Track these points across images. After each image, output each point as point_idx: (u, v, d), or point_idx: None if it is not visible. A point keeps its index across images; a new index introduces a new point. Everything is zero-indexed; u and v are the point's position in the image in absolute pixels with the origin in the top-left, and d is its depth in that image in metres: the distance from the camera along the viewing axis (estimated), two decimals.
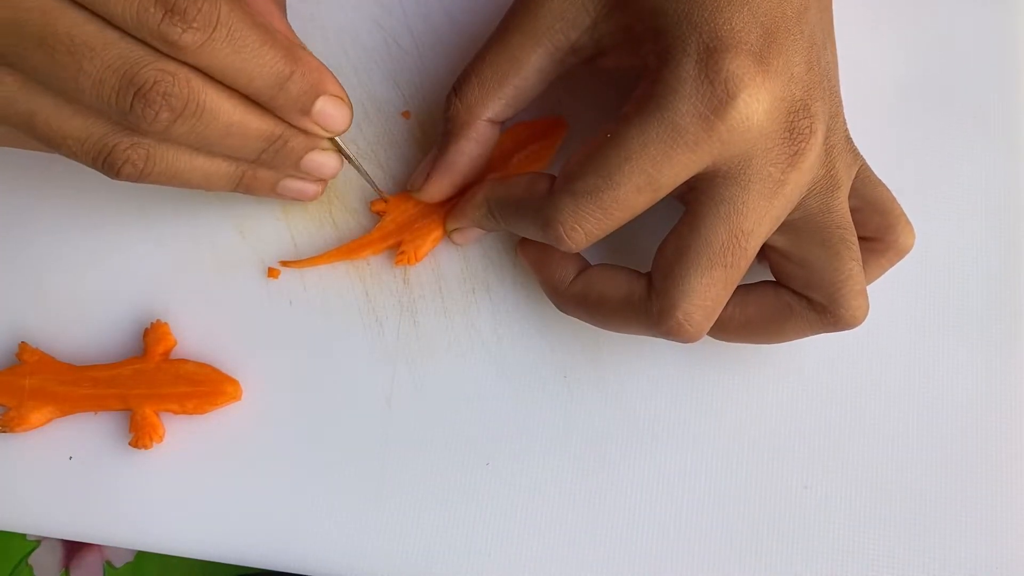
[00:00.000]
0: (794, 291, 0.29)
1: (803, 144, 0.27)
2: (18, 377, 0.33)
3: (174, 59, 0.26)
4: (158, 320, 0.34)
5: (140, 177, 0.28)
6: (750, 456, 0.33)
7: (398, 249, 0.34)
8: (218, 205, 0.35)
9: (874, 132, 0.35)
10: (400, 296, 0.34)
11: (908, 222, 0.31)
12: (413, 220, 0.34)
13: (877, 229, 0.31)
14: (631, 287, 0.29)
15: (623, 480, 0.33)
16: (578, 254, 0.31)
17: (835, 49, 0.30)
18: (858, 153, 0.30)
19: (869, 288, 0.34)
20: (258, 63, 0.27)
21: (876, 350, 0.33)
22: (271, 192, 0.31)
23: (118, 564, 0.56)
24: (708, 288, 0.27)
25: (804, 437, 0.33)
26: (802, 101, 0.27)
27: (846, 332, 0.33)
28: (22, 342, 0.34)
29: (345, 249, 0.34)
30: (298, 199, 0.32)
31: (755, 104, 0.26)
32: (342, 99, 0.29)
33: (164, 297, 0.35)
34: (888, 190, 0.31)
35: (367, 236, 0.34)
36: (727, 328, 0.30)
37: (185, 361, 0.33)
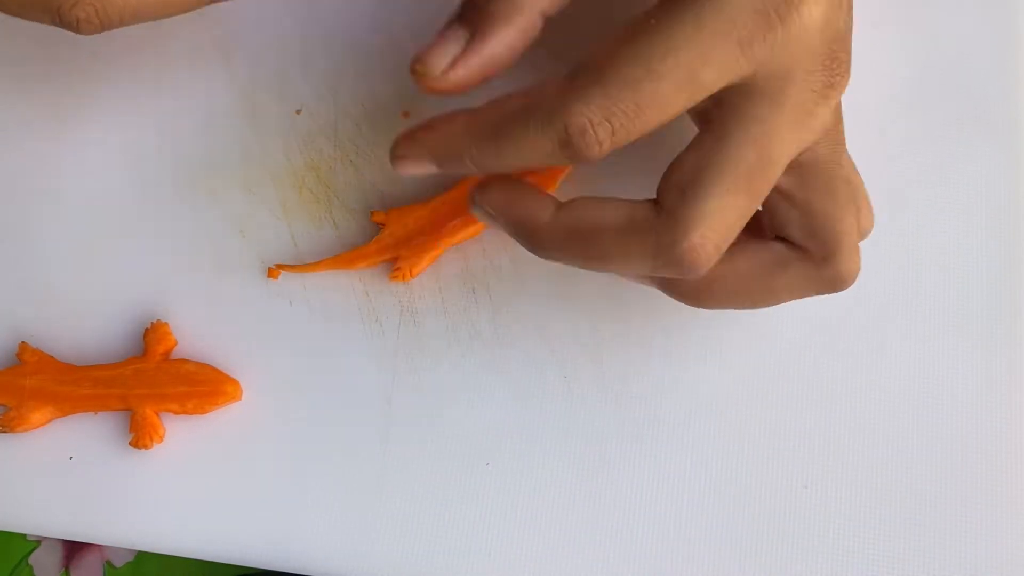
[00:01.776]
0: (789, 243, 0.27)
1: (838, 78, 0.25)
2: (18, 377, 0.34)
3: None
4: (158, 320, 0.34)
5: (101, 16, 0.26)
6: (750, 456, 0.33)
7: (394, 264, 0.34)
8: (218, 205, 0.35)
9: (874, 131, 0.35)
10: (400, 296, 0.34)
11: (870, 206, 0.29)
12: (412, 236, 0.34)
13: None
14: (633, 211, 0.26)
15: (623, 480, 0.33)
16: (551, 195, 0.28)
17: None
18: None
19: (868, 290, 0.34)
20: None
21: (876, 350, 0.33)
22: None
23: (118, 564, 0.56)
24: (727, 212, 0.25)
25: (804, 437, 0.33)
26: (843, 33, 0.25)
27: (847, 332, 0.33)
28: (22, 342, 0.34)
29: (341, 259, 0.34)
30: None
31: (815, 16, 0.24)
32: None
33: (164, 297, 0.35)
34: (858, 175, 0.29)
35: (364, 248, 0.34)
36: (716, 291, 0.28)
37: (185, 361, 0.33)
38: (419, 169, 0.28)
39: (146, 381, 0.33)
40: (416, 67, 0.27)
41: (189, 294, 0.35)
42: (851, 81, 0.35)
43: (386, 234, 0.34)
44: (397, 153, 0.28)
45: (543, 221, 0.27)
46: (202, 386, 0.33)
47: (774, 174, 0.25)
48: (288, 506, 0.33)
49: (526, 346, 0.34)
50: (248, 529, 0.33)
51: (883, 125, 0.35)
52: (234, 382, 0.33)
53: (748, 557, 0.32)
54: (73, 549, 0.57)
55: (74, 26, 0.26)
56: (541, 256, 0.28)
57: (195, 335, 0.34)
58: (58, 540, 0.57)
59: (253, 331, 0.34)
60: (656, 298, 0.33)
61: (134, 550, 0.54)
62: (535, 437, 0.33)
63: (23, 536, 0.56)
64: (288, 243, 0.35)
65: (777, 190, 0.27)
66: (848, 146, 0.35)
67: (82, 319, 0.35)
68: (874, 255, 0.34)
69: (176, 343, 0.34)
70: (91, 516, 0.33)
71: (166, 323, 0.34)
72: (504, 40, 0.26)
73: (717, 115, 0.25)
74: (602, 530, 0.32)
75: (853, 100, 0.35)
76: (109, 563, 0.56)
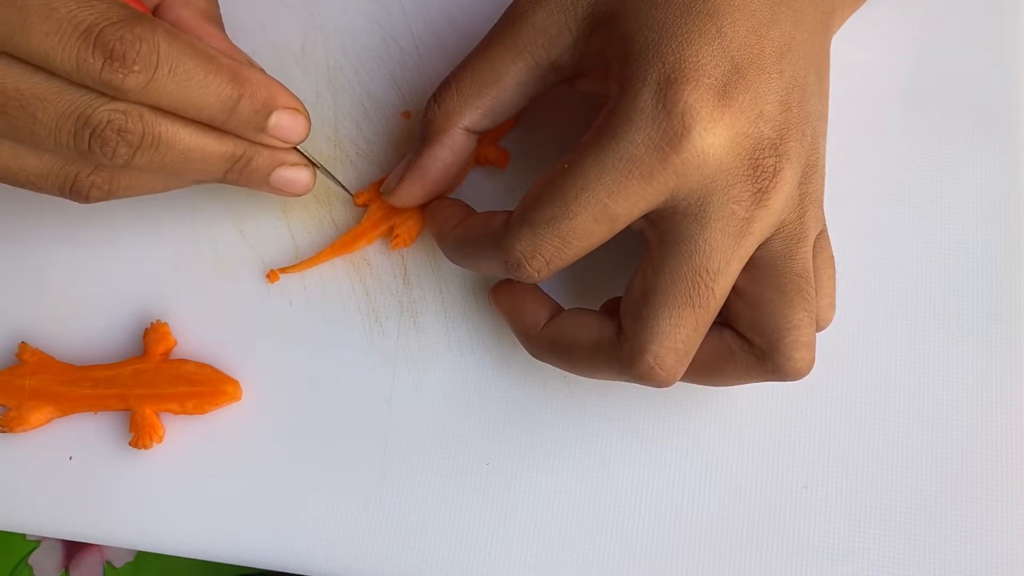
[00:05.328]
0: (737, 333, 0.28)
1: (767, 183, 0.26)
2: (18, 377, 0.33)
3: (123, 99, 0.26)
4: (158, 320, 0.34)
5: (109, 197, 0.29)
6: (750, 456, 0.33)
7: (392, 235, 0.34)
8: (218, 205, 0.35)
9: (875, 133, 0.35)
10: (400, 296, 0.34)
11: (834, 300, 0.30)
12: None
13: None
14: (601, 331, 0.29)
15: (623, 480, 0.33)
16: (551, 300, 0.31)
17: (826, 102, 0.30)
18: (824, 216, 0.30)
19: (868, 290, 0.34)
20: (205, 93, 0.27)
21: (876, 350, 0.33)
22: (263, 185, 0.32)
23: (118, 564, 0.56)
24: (677, 329, 0.27)
25: (804, 437, 0.33)
26: (771, 139, 0.26)
27: (846, 333, 0.33)
28: (22, 342, 0.34)
29: (339, 244, 0.34)
30: (290, 192, 0.32)
31: (711, 138, 0.25)
32: (297, 110, 0.30)
33: (164, 297, 0.35)
34: (832, 263, 0.30)
35: (358, 227, 0.34)
36: None
37: (185, 361, 0.33)
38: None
39: (146, 381, 0.33)
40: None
41: (189, 294, 0.35)
42: (853, 83, 0.35)
43: (375, 208, 0.34)
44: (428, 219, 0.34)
45: (534, 332, 0.30)
46: (202, 386, 0.33)
47: (720, 283, 0.27)
48: (288, 506, 0.33)
49: None
50: (248, 529, 0.33)
51: (883, 125, 0.35)
52: (234, 382, 0.33)
53: (748, 557, 0.32)
54: (73, 549, 0.57)
55: (84, 194, 0.29)
56: (536, 359, 0.31)
57: (195, 335, 0.34)
58: (58, 540, 0.57)
59: (253, 331, 0.34)
60: None
61: (134, 550, 0.54)
62: (535, 437, 0.33)
63: (23, 536, 0.56)
64: (288, 243, 0.35)
65: (732, 286, 0.28)
66: (848, 146, 0.35)
67: (82, 319, 0.35)
68: (874, 255, 0.34)
69: (176, 343, 0.34)
70: (91, 516, 0.33)
71: (166, 323, 0.34)
72: (435, 155, 0.31)
73: (653, 236, 0.28)
74: (602, 530, 0.32)
75: (855, 102, 0.35)
76: (109, 563, 0.56)
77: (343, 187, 0.34)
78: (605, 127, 0.26)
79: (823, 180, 0.29)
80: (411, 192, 0.32)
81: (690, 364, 0.28)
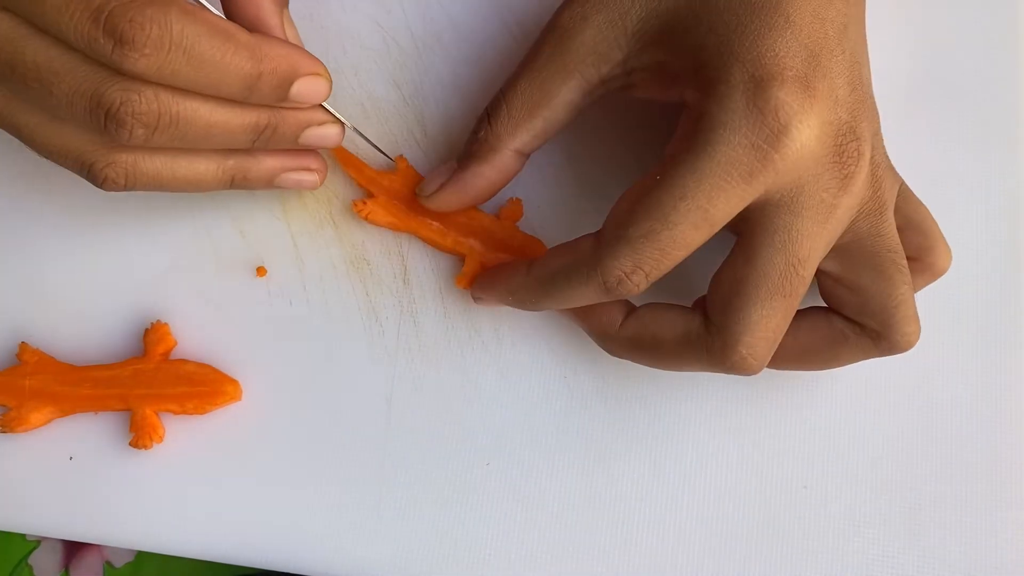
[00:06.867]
0: (846, 317, 0.29)
1: (852, 167, 0.27)
2: (19, 377, 0.34)
3: (138, 79, 0.26)
4: (158, 321, 0.34)
5: (125, 188, 0.29)
6: (750, 456, 0.33)
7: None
8: (218, 205, 0.35)
9: None
10: (400, 296, 0.34)
11: (946, 243, 0.31)
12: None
13: (916, 249, 0.30)
14: (687, 325, 0.29)
15: (623, 480, 0.33)
16: (623, 302, 0.31)
17: (869, 64, 0.30)
18: (897, 172, 0.30)
19: None
20: (222, 73, 0.27)
21: None
22: (269, 186, 0.31)
23: (118, 564, 0.56)
24: (769, 319, 0.27)
25: (804, 437, 0.33)
26: (848, 124, 0.27)
27: None
28: (22, 342, 0.34)
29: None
30: (300, 188, 0.32)
31: (807, 131, 0.26)
32: (318, 74, 0.29)
33: (164, 297, 0.35)
34: (926, 209, 0.31)
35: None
36: (782, 358, 0.30)
37: (185, 361, 0.34)
38: (497, 306, 0.33)
39: (146, 381, 0.33)
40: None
41: (189, 294, 0.35)
42: None
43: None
44: (476, 297, 0.33)
45: (612, 331, 0.31)
46: (202, 386, 0.33)
47: (807, 270, 0.27)
48: (288, 506, 0.33)
49: (526, 346, 0.34)
50: (248, 529, 0.33)
51: (883, 125, 0.35)
52: (234, 382, 0.33)
53: (748, 557, 0.32)
54: (73, 549, 0.57)
55: (99, 183, 0.28)
56: (613, 356, 0.31)
57: (195, 335, 0.34)
58: (58, 540, 0.57)
59: (253, 331, 0.34)
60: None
61: (134, 550, 0.54)
62: (535, 437, 0.33)
63: (23, 536, 0.56)
64: (288, 243, 0.35)
65: (826, 275, 0.29)
66: None
67: (82, 319, 0.35)
68: None
69: (176, 343, 0.34)
70: (91, 516, 0.33)
71: (166, 323, 0.34)
72: (481, 174, 0.31)
73: (744, 229, 0.28)
74: (602, 530, 0.33)
75: None
76: (109, 563, 0.56)
77: (372, 144, 0.34)
78: (696, 134, 0.26)
79: (883, 143, 0.29)
80: (448, 202, 0.32)
81: (804, 354, 0.29)
